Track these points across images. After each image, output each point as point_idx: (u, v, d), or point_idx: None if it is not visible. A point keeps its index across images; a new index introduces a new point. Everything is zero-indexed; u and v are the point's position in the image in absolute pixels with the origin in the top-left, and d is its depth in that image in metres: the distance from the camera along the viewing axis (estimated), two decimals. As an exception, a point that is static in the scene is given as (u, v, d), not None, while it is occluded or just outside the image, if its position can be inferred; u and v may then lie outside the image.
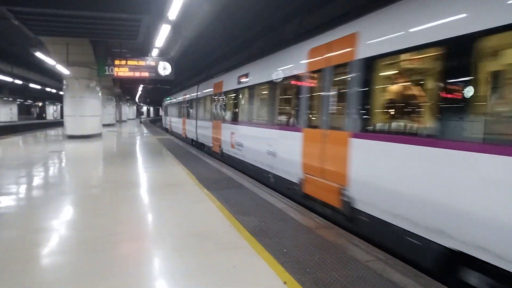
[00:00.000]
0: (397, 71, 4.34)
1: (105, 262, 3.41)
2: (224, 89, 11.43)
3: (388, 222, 4.09)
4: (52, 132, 24.23)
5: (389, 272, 3.24)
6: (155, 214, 5.21)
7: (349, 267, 3.33)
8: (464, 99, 3.24)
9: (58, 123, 39.15)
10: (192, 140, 17.21)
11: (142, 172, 8.76)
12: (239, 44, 14.16)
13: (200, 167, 9.21)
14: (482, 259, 3.03)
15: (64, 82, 16.79)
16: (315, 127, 5.80)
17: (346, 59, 4.97)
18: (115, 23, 10.96)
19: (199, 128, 15.38)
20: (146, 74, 14.22)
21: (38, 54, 13.70)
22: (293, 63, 6.73)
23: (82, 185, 7.12)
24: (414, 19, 3.87)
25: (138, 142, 17.53)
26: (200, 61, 19.58)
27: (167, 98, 30.24)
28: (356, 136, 4.66)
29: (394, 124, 4.26)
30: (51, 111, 64.86)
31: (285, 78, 6.99)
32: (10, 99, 44.97)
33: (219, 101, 12.09)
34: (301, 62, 6.33)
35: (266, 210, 5.24)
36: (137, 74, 14.17)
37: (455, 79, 3.37)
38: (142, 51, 17.54)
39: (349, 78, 4.87)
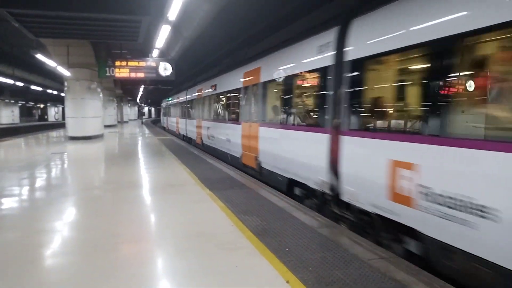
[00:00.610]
0: (274, 91, 7.62)
1: (107, 263, 3.41)
2: (203, 94, 14.99)
3: (272, 171, 7.33)
4: (54, 133, 24.31)
5: (392, 270, 3.23)
6: (157, 215, 5.22)
7: (352, 266, 3.33)
8: (292, 106, 6.71)
9: (59, 125, 39.30)
10: (183, 136, 20.76)
11: (144, 172, 8.78)
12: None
13: (201, 167, 9.22)
14: (299, 180, 6.17)
15: (65, 83, 16.81)
16: (246, 121, 9.07)
17: (256, 81, 8.39)
18: (115, 24, 10.94)
19: (188, 125, 19.21)
20: (146, 75, 14.20)
21: (39, 56, 13.70)
22: (236, 80, 10.20)
23: (84, 187, 7.13)
24: (279, 63, 7.16)
25: (139, 142, 17.56)
26: (201, 60, 19.57)
27: (166, 100, 32.18)
28: (260, 125, 8.03)
29: (273, 118, 7.67)
30: (53, 113, 64.98)
31: (233, 90, 10.62)
32: (12, 101, 45.14)
33: (200, 104, 15.90)
34: (240, 80, 9.77)
35: (268, 210, 5.23)
36: (137, 75, 14.13)
37: (286, 96, 6.86)
38: (143, 52, 17.54)
39: (257, 93, 8.31)
